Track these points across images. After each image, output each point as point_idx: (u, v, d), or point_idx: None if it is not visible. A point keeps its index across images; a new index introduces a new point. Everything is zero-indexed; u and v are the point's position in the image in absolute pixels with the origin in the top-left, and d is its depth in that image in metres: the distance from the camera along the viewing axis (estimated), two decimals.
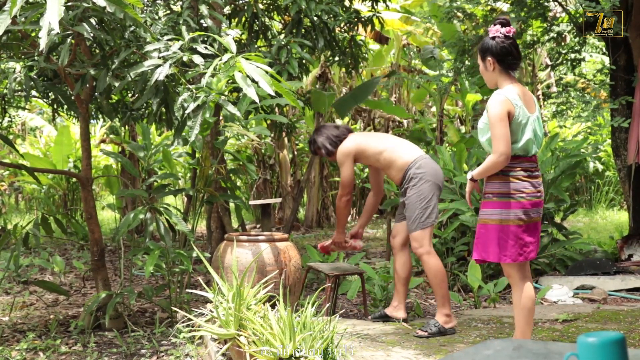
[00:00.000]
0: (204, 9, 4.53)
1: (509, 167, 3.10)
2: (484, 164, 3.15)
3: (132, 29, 3.74)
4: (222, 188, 5.22)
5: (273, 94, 3.24)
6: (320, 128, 4.43)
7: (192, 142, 3.93)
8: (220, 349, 3.10)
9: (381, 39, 9.40)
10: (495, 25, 3.17)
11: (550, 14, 7.37)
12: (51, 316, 4.60)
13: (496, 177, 3.13)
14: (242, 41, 6.02)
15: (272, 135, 7.96)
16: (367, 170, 10.29)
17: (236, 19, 6.00)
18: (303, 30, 5.56)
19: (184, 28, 3.73)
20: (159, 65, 3.46)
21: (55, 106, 5.25)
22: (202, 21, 4.72)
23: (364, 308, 4.64)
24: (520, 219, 3.09)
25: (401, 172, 4.14)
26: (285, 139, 10.82)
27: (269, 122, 7.10)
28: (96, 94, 4.04)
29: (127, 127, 8.73)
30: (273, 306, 3.09)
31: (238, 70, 3.25)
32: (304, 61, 5.69)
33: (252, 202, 8.13)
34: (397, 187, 4.53)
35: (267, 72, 3.25)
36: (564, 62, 6.93)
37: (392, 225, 4.42)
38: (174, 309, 4.09)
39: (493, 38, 3.15)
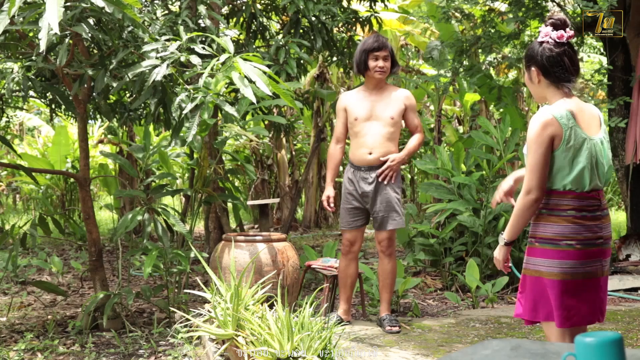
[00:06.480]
0: (202, 9, 4.52)
1: (556, 204, 2.41)
2: (514, 211, 2.45)
3: (130, 29, 3.74)
4: (220, 188, 5.22)
5: (270, 93, 3.23)
6: None
7: (189, 143, 3.92)
8: (218, 349, 3.10)
9: None
10: (546, 26, 2.47)
11: (549, 14, 7.37)
12: (49, 316, 4.59)
13: (541, 216, 2.44)
14: (240, 41, 6.02)
15: (270, 135, 7.96)
16: None
17: (234, 19, 6.00)
18: (301, 30, 5.56)
19: (181, 28, 3.73)
20: (157, 66, 3.46)
21: (53, 106, 5.25)
22: (200, 21, 4.72)
23: (362, 308, 4.64)
24: (564, 273, 2.37)
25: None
26: (284, 139, 10.81)
27: (267, 122, 7.10)
28: (94, 94, 4.04)
29: (125, 127, 8.72)
30: (271, 306, 3.09)
31: (235, 70, 3.25)
32: (302, 61, 5.69)
33: (250, 203, 8.13)
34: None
35: (264, 72, 3.25)
36: None
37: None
38: (172, 309, 4.09)
39: (541, 43, 2.45)
